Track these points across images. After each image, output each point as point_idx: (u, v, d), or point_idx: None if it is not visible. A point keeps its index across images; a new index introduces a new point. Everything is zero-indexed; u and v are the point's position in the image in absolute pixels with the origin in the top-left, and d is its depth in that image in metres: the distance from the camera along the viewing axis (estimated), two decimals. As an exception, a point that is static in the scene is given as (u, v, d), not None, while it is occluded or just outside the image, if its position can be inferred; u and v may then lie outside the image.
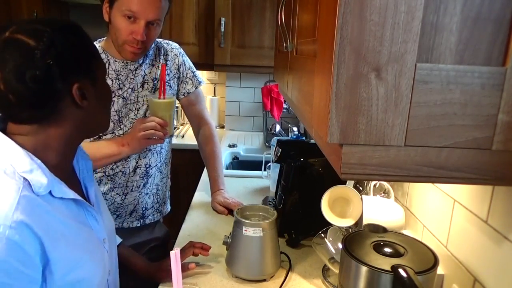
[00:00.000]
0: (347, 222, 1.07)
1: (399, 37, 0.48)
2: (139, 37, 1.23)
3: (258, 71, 2.48)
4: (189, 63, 1.54)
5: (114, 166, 1.37)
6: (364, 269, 0.80)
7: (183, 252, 1.11)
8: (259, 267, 1.08)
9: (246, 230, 1.07)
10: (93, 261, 0.80)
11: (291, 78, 0.98)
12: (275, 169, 1.60)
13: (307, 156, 1.31)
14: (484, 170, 0.53)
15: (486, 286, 0.78)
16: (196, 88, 1.55)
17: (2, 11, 2.55)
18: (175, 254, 0.82)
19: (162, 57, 1.44)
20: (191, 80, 1.53)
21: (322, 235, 1.12)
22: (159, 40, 1.46)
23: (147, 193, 1.47)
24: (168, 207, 1.63)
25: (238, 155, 2.37)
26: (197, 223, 1.43)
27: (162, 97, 1.28)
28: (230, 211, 1.47)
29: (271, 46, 2.37)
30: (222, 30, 2.34)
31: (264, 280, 1.10)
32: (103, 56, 1.32)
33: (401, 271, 0.75)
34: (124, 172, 1.39)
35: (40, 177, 0.71)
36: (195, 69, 1.56)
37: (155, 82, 1.40)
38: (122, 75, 1.34)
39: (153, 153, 1.45)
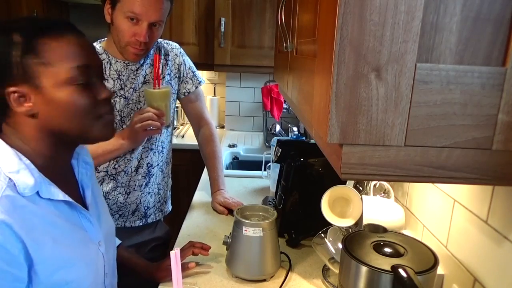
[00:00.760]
0: (347, 222, 1.07)
1: (399, 37, 0.48)
2: (142, 39, 1.23)
3: (258, 71, 2.48)
4: (189, 62, 1.54)
5: (117, 166, 1.38)
6: (364, 269, 0.80)
7: (183, 251, 1.11)
8: (259, 267, 1.08)
9: (246, 230, 1.07)
10: (84, 263, 0.80)
11: (291, 78, 0.98)
12: (275, 169, 1.60)
13: (307, 156, 1.31)
14: (484, 170, 0.53)
15: (486, 286, 0.78)
16: (197, 87, 1.56)
17: (2, 11, 2.55)
18: (175, 254, 0.82)
19: (162, 57, 1.44)
20: (192, 79, 1.54)
21: (322, 235, 1.12)
22: (159, 40, 1.46)
23: (149, 192, 1.47)
24: (169, 207, 1.64)
25: (238, 155, 2.37)
26: (197, 223, 1.43)
27: (157, 87, 1.29)
28: (230, 211, 1.48)
29: (271, 46, 2.37)
30: (222, 30, 2.35)
31: (264, 280, 1.10)
32: (104, 56, 1.33)
33: (401, 271, 0.75)
34: (127, 171, 1.40)
35: (27, 177, 0.71)
36: (195, 69, 1.56)
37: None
38: (124, 75, 1.35)
39: (155, 152, 1.45)
